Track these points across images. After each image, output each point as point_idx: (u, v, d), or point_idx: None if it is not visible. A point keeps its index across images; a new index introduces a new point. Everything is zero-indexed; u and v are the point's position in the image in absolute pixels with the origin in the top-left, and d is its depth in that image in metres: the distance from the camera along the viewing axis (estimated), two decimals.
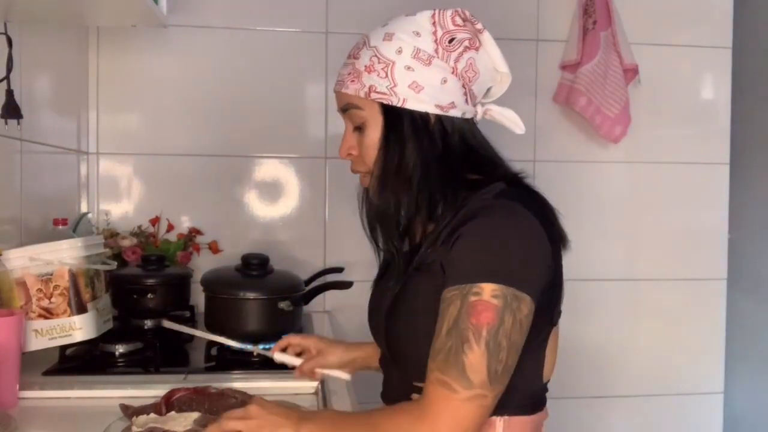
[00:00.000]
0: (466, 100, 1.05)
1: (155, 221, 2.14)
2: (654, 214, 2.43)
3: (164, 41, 2.15)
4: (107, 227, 2.11)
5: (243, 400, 1.12)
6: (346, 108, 1.07)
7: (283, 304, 1.65)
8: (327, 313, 2.17)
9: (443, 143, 1.04)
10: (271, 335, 1.54)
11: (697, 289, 2.45)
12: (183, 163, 2.19)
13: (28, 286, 1.35)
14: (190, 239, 2.13)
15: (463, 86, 1.04)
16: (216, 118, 2.20)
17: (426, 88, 1.02)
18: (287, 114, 2.24)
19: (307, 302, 1.78)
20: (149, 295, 1.74)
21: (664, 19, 2.41)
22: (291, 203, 2.25)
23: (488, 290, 0.92)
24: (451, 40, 1.03)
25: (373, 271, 1.19)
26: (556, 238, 1.02)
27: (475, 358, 0.90)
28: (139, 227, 2.12)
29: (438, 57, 1.03)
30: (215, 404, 1.11)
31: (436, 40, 1.03)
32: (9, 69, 1.45)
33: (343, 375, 1.29)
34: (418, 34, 1.03)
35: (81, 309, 1.37)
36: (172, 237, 2.14)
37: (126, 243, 2.01)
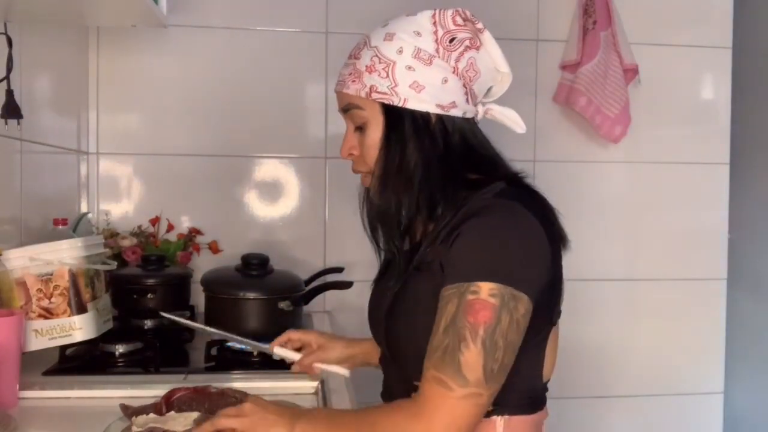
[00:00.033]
0: (467, 100, 1.05)
1: (155, 221, 2.14)
2: (654, 214, 2.43)
3: (164, 41, 2.15)
4: (107, 227, 2.11)
5: (243, 400, 1.11)
6: (347, 108, 1.07)
7: (283, 304, 1.65)
8: (327, 313, 2.17)
9: (444, 143, 1.04)
10: (271, 335, 1.53)
11: (697, 289, 2.45)
12: (183, 163, 2.19)
13: (28, 286, 1.35)
14: (190, 239, 2.13)
15: (464, 86, 1.04)
16: (216, 118, 2.20)
17: (427, 88, 1.02)
18: (287, 114, 2.24)
19: (307, 302, 1.78)
20: (149, 295, 1.74)
21: (664, 19, 2.41)
22: (291, 203, 2.25)
23: (486, 289, 0.92)
24: (451, 40, 1.03)
25: (373, 271, 1.19)
26: (556, 238, 1.02)
27: (472, 357, 0.90)
28: (139, 227, 2.12)
29: (439, 57, 1.03)
30: (215, 404, 1.10)
31: (436, 40, 1.03)
32: (9, 69, 1.45)
33: (342, 370, 1.29)
34: (418, 33, 1.03)
35: (81, 309, 1.37)
36: (172, 237, 2.14)
37: (126, 243, 2.01)
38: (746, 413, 2.53)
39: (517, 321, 0.93)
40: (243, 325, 1.62)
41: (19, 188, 1.62)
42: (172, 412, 1.08)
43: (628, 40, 2.31)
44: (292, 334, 1.32)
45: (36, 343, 1.35)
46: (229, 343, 1.55)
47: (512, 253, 0.95)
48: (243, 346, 1.53)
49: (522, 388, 1.02)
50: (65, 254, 1.37)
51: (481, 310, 0.91)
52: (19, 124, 1.51)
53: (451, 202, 1.02)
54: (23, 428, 1.11)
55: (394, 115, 1.03)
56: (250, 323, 1.63)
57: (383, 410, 0.99)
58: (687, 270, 2.45)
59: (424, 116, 1.03)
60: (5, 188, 1.57)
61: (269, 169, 2.24)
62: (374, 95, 1.03)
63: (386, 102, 1.03)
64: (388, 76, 1.02)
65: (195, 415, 1.06)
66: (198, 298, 1.80)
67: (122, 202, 2.17)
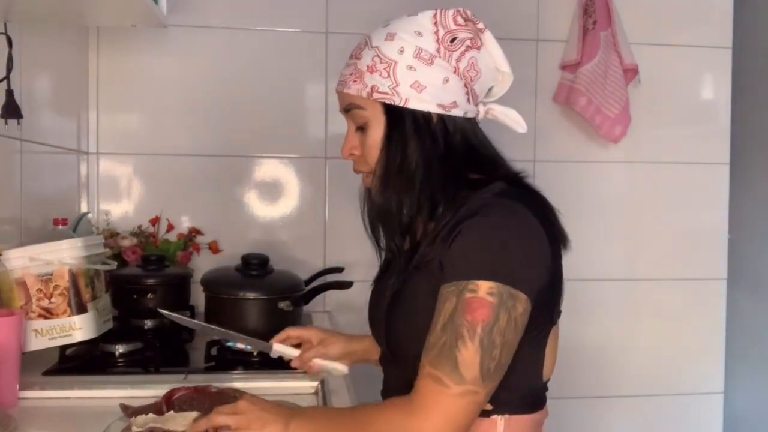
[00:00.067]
0: (468, 100, 1.05)
1: (155, 221, 2.14)
2: (654, 214, 2.43)
3: (164, 41, 2.15)
4: (107, 227, 2.11)
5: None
6: (348, 108, 1.07)
7: (283, 304, 1.65)
8: (327, 313, 2.16)
9: (445, 143, 1.04)
10: (271, 336, 1.53)
11: (697, 289, 2.45)
12: (183, 163, 2.19)
13: (28, 286, 1.35)
14: (190, 239, 2.13)
15: (465, 86, 1.05)
16: (216, 118, 2.20)
17: (428, 88, 1.02)
18: (287, 114, 2.24)
19: (307, 302, 1.78)
20: (149, 295, 1.73)
21: (664, 19, 2.41)
22: (291, 203, 2.25)
23: (484, 288, 0.92)
24: (452, 40, 1.03)
25: (373, 271, 1.19)
26: (556, 238, 1.02)
27: (469, 355, 0.91)
28: (139, 227, 2.12)
29: (440, 57, 1.03)
30: (215, 403, 1.10)
31: (437, 40, 1.03)
32: (9, 69, 1.45)
33: (341, 367, 1.29)
34: (419, 33, 1.03)
35: (81, 309, 1.37)
36: (172, 237, 2.14)
37: (126, 243, 2.01)
38: (746, 413, 2.53)
39: (515, 320, 0.93)
40: (243, 325, 1.62)
41: (19, 188, 1.62)
42: (172, 412, 1.08)
43: (628, 40, 2.31)
44: (291, 332, 1.32)
45: (36, 343, 1.35)
46: (229, 343, 1.55)
47: (512, 253, 0.95)
48: (242, 346, 1.53)
49: (522, 387, 1.03)
50: (65, 254, 1.36)
51: (479, 308, 0.91)
52: (19, 124, 1.51)
53: (452, 202, 1.02)
54: (23, 428, 1.11)
55: (395, 115, 1.03)
56: (250, 323, 1.63)
57: (378, 408, 0.99)
58: (687, 270, 2.45)
59: (426, 116, 1.03)
60: (5, 188, 1.57)
61: (269, 169, 2.24)
62: (375, 95, 1.03)
63: (387, 102, 1.03)
64: (389, 76, 1.02)
65: (195, 414, 1.06)
66: (198, 298, 1.80)
67: (122, 202, 2.17)
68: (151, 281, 1.76)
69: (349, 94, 1.06)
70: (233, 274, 1.69)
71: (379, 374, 1.18)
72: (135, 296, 1.74)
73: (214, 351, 1.56)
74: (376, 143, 1.05)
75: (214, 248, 2.15)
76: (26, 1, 1.38)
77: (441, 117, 1.04)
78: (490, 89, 1.11)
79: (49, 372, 1.40)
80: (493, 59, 1.07)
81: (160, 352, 1.54)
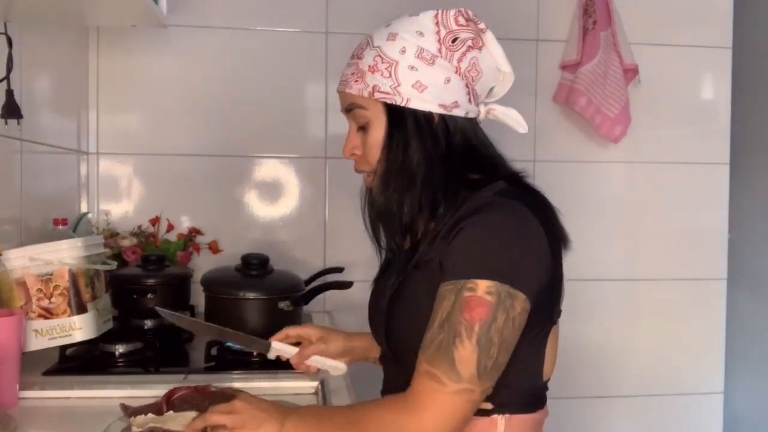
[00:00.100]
0: (470, 100, 1.05)
1: (155, 221, 2.14)
2: (654, 214, 2.43)
3: (164, 41, 2.15)
4: (107, 227, 2.11)
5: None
6: (350, 108, 1.07)
7: (283, 304, 1.65)
8: (327, 313, 2.16)
9: (446, 142, 1.04)
10: (271, 336, 1.53)
11: (697, 289, 2.45)
12: (183, 163, 2.18)
13: (28, 286, 1.35)
14: (190, 239, 2.13)
15: (467, 86, 1.05)
16: (216, 118, 2.20)
17: (429, 88, 1.02)
18: (287, 114, 2.24)
19: (307, 302, 1.77)
20: (149, 295, 1.73)
21: (664, 19, 2.41)
22: (291, 203, 2.25)
23: (483, 286, 0.92)
24: (454, 40, 1.03)
25: (373, 271, 1.19)
26: (556, 238, 1.02)
27: (466, 353, 0.91)
28: (139, 227, 2.12)
29: (441, 57, 1.03)
30: (215, 403, 1.10)
31: (439, 40, 1.03)
32: (9, 69, 1.45)
33: (340, 365, 1.29)
34: (421, 33, 1.03)
35: (81, 309, 1.37)
36: (172, 237, 2.14)
37: (126, 243, 2.01)
38: (746, 413, 2.53)
39: (513, 319, 0.93)
40: (243, 325, 1.62)
41: (19, 188, 1.62)
42: (171, 412, 1.08)
43: (628, 40, 2.31)
44: (289, 331, 1.32)
45: (36, 343, 1.35)
46: (228, 343, 1.55)
47: (511, 252, 0.95)
48: (241, 346, 1.52)
49: (523, 387, 1.03)
50: (65, 254, 1.36)
51: (477, 306, 0.92)
52: (19, 124, 1.51)
53: (453, 202, 1.03)
54: (23, 428, 1.11)
55: (396, 115, 1.03)
56: (250, 323, 1.62)
57: (374, 405, 0.99)
58: (687, 270, 2.45)
59: (427, 116, 1.03)
60: (5, 188, 1.57)
61: (269, 169, 2.24)
62: (377, 95, 1.03)
63: (389, 102, 1.03)
64: (390, 75, 1.02)
65: (194, 414, 1.06)
66: (198, 298, 1.80)
67: (122, 202, 2.17)
68: (151, 281, 1.76)
69: (350, 93, 1.06)
70: (233, 274, 1.69)
71: (379, 374, 1.18)
72: (135, 296, 1.74)
73: (214, 351, 1.56)
74: (378, 143, 1.05)
75: (214, 248, 2.15)
76: (26, 1, 1.38)
77: (442, 117, 1.04)
78: (491, 89, 1.12)
79: (49, 372, 1.40)
80: (494, 59, 1.07)
81: (160, 352, 1.54)
